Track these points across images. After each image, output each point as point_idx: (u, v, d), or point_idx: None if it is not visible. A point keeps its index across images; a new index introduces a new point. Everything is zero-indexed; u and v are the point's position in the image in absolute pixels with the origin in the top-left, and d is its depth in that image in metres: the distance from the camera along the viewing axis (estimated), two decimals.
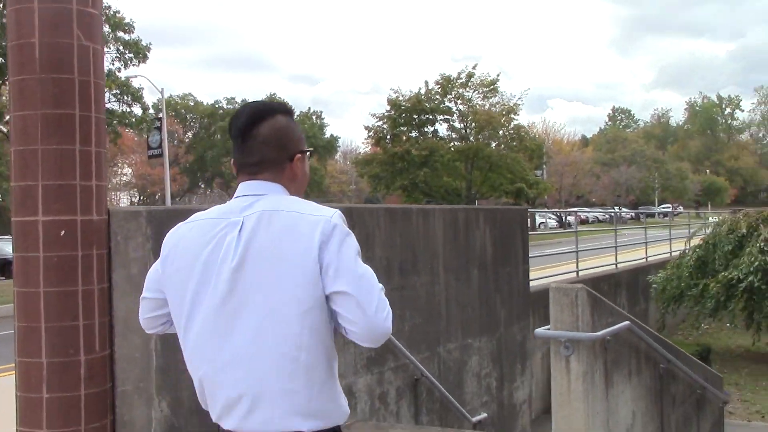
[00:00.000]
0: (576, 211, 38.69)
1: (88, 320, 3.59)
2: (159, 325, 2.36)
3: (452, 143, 44.04)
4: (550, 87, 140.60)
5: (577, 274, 11.80)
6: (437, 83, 43.30)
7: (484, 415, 6.99)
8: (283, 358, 2.03)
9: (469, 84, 43.58)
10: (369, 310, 2.00)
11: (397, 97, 42.84)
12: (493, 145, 44.54)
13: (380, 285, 2.08)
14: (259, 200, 2.11)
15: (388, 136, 43.50)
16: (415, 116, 42.99)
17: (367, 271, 2.08)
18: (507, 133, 43.94)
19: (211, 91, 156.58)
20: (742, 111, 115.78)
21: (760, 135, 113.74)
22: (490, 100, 44.62)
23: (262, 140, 2.16)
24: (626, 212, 49.63)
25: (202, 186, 73.88)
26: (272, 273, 2.02)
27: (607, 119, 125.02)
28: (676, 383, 5.80)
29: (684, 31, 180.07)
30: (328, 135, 75.51)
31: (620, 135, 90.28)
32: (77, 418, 3.60)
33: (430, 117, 43.34)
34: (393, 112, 42.62)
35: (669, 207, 67.52)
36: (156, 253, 2.42)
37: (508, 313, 7.70)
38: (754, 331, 12.33)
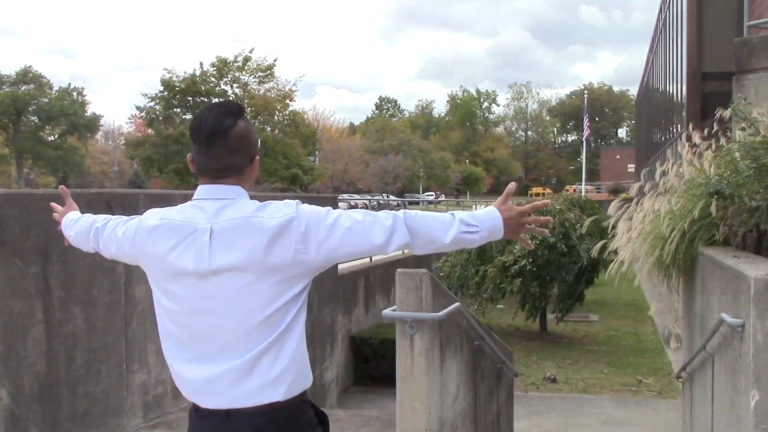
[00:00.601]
0: (347, 198, 39.65)
1: None
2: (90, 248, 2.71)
3: None
4: (317, 73, 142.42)
5: (371, 259, 12.32)
6: (213, 65, 42.78)
7: None
8: None
9: (246, 68, 43.41)
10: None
11: (171, 77, 41.83)
12: (268, 130, 44.65)
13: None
14: (225, 207, 2.25)
15: (161, 118, 42.37)
16: (189, 98, 42.21)
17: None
18: (283, 119, 44.20)
19: None
20: (498, 105, 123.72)
21: (513, 128, 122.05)
22: (266, 85, 44.72)
23: (227, 148, 2.27)
24: (393, 199, 51.44)
25: None
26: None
27: (374, 108, 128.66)
28: (485, 358, 6.36)
29: (446, 26, 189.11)
30: (89, 113, 71.45)
31: (388, 124, 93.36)
32: None
33: (206, 99, 42.71)
34: (167, 93, 41.53)
35: (432, 195, 70.89)
36: None
37: (319, 296, 7.98)
38: (526, 311, 13.49)
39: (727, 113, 6.82)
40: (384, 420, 5.37)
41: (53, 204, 2.97)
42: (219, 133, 2.25)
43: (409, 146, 76.72)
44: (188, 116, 41.98)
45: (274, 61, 44.27)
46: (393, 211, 2.34)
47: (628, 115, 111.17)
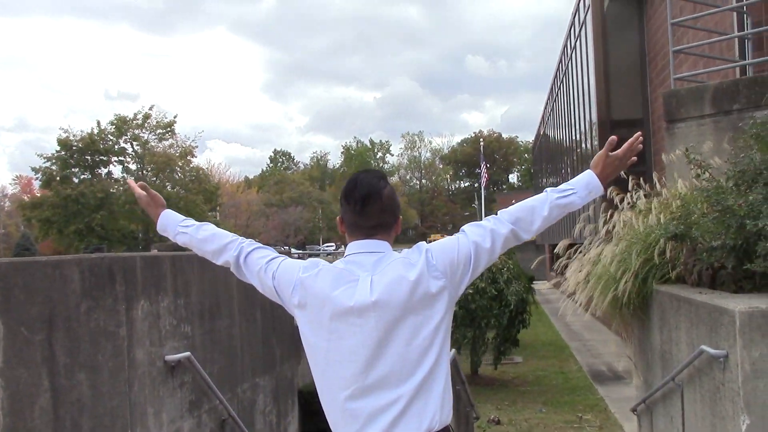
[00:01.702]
0: None
1: None
2: (222, 263, 2.92)
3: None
4: (207, 128, 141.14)
5: None
6: (112, 123, 42.09)
7: None
8: None
9: (146, 125, 42.89)
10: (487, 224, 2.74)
11: (68, 136, 40.88)
12: (169, 187, 44.09)
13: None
14: (381, 258, 2.58)
15: (58, 177, 41.26)
16: (87, 157, 41.32)
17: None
18: (186, 175, 43.74)
19: None
20: (392, 155, 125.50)
21: (408, 177, 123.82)
22: (166, 142, 44.25)
23: (379, 208, 2.60)
24: (294, 251, 51.34)
25: None
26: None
27: (268, 161, 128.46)
28: (460, 403, 6.59)
29: (334, 78, 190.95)
30: None
31: (286, 177, 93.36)
32: None
33: (105, 158, 41.92)
34: (64, 153, 40.53)
35: (333, 246, 71.01)
36: None
37: (281, 351, 8.06)
38: (465, 356, 13.78)
39: (670, 156, 7.34)
40: None
41: (134, 185, 3.16)
42: (374, 194, 2.58)
43: (308, 198, 76.94)
44: (87, 175, 41.15)
45: (174, 117, 44.02)
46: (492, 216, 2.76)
47: (518, 161, 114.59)
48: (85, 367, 4.77)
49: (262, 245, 2.85)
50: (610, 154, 2.86)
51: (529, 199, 2.82)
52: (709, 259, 5.56)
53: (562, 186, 2.82)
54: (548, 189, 2.84)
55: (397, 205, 2.70)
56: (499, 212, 2.77)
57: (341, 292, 2.51)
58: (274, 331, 7.83)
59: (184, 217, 3.03)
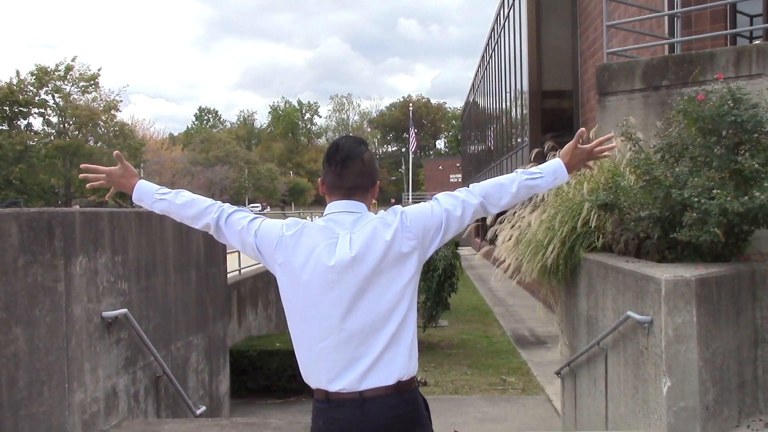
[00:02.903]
0: None
1: None
2: (201, 227, 2.94)
3: (49, 138, 41.55)
4: (132, 82, 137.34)
5: (240, 272, 12.41)
6: (32, 74, 40.72)
7: (203, 408, 7.32)
8: None
9: (68, 77, 41.64)
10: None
11: None
12: (92, 142, 43.06)
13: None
14: (359, 218, 2.72)
15: None
16: (5, 107, 39.94)
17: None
18: (109, 130, 42.71)
19: None
20: (320, 117, 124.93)
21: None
22: (89, 96, 43.10)
23: (358, 171, 2.75)
24: None
25: None
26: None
27: (193, 118, 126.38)
28: None
29: (264, 36, 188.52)
30: None
31: (214, 135, 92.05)
32: None
33: (24, 109, 40.58)
34: None
35: (259, 206, 70.55)
36: None
37: (214, 310, 8.08)
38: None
39: (598, 128, 7.57)
40: None
41: (97, 167, 3.13)
42: (354, 156, 2.74)
43: (235, 158, 76.08)
44: (4, 127, 39.76)
45: (99, 70, 42.81)
46: (463, 188, 2.93)
47: (446, 127, 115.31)
48: (22, 321, 4.74)
49: (241, 208, 2.94)
50: (579, 146, 3.07)
51: (499, 177, 3.03)
52: (636, 229, 5.80)
53: (532, 169, 3.03)
54: (518, 170, 3.04)
55: (375, 170, 2.85)
56: (470, 185, 2.94)
57: (323, 248, 2.65)
58: (208, 290, 7.83)
59: (159, 186, 3.07)
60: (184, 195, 2.99)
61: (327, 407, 2.66)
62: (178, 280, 6.94)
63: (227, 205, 2.95)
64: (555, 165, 3.05)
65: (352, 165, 2.74)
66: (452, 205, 2.84)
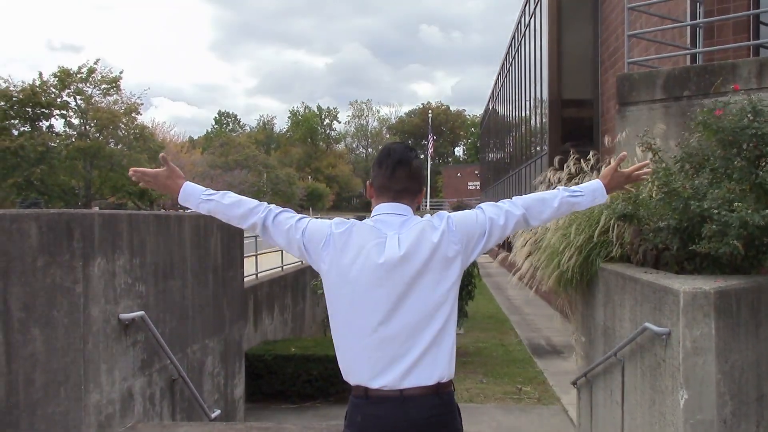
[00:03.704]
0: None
1: None
2: (248, 226, 3.02)
3: (71, 140, 41.78)
4: (153, 85, 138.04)
5: (257, 276, 12.44)
6: (55, 75, 40.99)
7: (218, 411, 7.34)
8: None
9: (90, 80, 41.88)
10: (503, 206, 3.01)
11: (8, 86, 39.66)
12: (113, 144, 43.25)
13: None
14: (406, 220, 2.85)
15: None
16: (28, 109, 40.17)
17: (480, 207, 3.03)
18: (130, 133, 42.90)
19: None
20: (339, 122, 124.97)
21: (354, 145, 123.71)
22: (110, 98, 43.30)
23: (407, 174, 2.90)
24: None
25: None
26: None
27: (213, 122, 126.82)
28: None
29: (285, 41, 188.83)
30: None
31: (233, 139, 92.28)
32: None
33: (46, 110, 40.81)
34: (3, 103, 39.27)
35: None
36: None
37: (231, 314, 8.10)
38: None
39: (619, 138, 7.54)
40: (338, 431, 5.59)
41: (144, 170, 3.16)
42: (405, 161, 2.90)
43: (253, 162, 76.21)
44: (26, 128, 39.96)
45: (120, 73, 43.19)
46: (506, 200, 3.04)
47: (465, 134, 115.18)
48: (40, 322, 4.78)
49: (287, 209, 3.04)
50: (619, 170, 3.24)
51: (541, 192, 3.17)
52: (655, 240, 5.76)
53: (573, 187, 3.17)
54: (560, 187, 3.20)
55: (423, 176, 3.01)
56: (513, 198, 3.06)
57: (372, 247, 2.75)
58: (225, 294, 7.86)
59: (205, 188, 3.14)
60: (231, 196, 3.07)
61: (366, 403, 2.71)
62: (195, 284, 6.97)
63: (273, 205, 3.05)
64: (595, 185, 3.20)
65: (403, 169, 2.89)
66: (496, 215, 2.95)
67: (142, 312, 5.63)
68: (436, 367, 2.74)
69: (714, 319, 4.52)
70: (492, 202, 3.03)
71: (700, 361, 4.55)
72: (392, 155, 2.91)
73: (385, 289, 2.71)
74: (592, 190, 3.16)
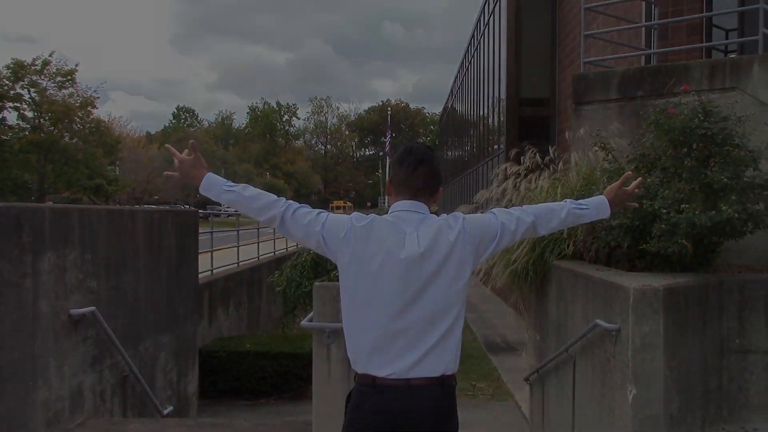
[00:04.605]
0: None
1: None
2: (266, 219, 3.08)
3: (24, 133, 41.05)
4: (111, 79, 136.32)
5: (212, 272, 12.34)
6: (8, 68, 40.25)
7: (170, 408, 7.28)
8: None
9: (45, 72, 41.19)
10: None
11: None
12: (68, 138, 42.59)
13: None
14: (423, 218, 2.97)
15: None
16: None
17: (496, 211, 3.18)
18: (86, 127, 42.26)
19: None
20: (299, 119, 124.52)
21: (313, 142, 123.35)
22: (65, 91, 42.65)
23: (427, 173, 3.03)
24: (201, 212, 50.38)
25: None
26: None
27: (171, 117, 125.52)
28: None
29: (246, 36, 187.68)
30: None
31: (190, 135, 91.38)
32: None
33: None
34: None
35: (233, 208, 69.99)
36: None
37: (185, 309, 8.03)
38: None
39: (574, 136, 7.61)
40: (292, 428, 5.58)
41: (172, 149, 3.19)
42: (425, 160, 3.04)
43: (212, 158, 75.64)
44: None
45: (76, 66, 42.48)
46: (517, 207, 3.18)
47: (424, 132, 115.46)
48: None
49: (305, 204, 3.13)
50: (623, 188, 3.43)
51: (549, 203, 3.36)
52: (607, 238, 5.83)
53: (580, 201, 3.38)
54: (567, 199, 3.39)
55: (440, 177, 3.15)
56: (523, 206, 3.24)
57: (393, 241, 2.88)
58: (179, 289, 7.79)
59: (226, 179, 3.20)
60: (251, 189, 3.14)
61: (372, 391, 2.82)
62: (148, 279, 6.90)
63: (293, 201, 3.12)
64: (600, 200, 3.40)
65: (423, 168, 3.02)
66: (508, 220, 3.10)
67: (93, 307, 5.57)
68: (442, 360, 2.85)
69: (663, 316, 4.59)
70: (503, 208, 3.20)
71: (648, 357, 4.62)
72: (414, 154, 3.04)
73: (403, 284, 2.83)
74: (596, 205, 3.37)
